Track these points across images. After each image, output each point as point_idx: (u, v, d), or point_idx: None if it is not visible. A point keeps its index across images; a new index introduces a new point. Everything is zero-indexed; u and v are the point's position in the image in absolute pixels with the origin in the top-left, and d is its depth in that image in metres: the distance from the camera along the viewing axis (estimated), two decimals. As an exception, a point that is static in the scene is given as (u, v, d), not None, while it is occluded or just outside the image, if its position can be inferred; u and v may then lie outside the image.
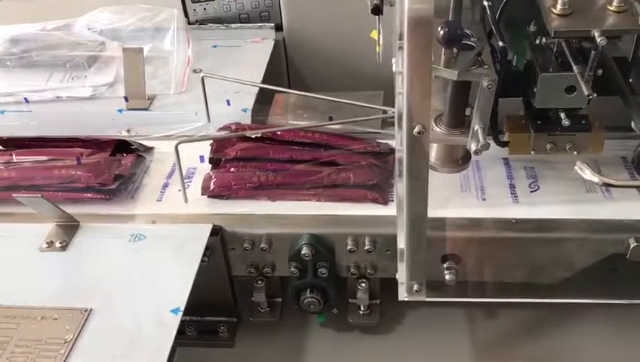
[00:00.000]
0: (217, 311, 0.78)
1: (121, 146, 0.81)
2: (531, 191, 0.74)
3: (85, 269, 0.65)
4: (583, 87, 0.59)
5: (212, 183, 0.75)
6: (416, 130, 0.50)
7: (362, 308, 0.77)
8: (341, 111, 0.86)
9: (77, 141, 0.81)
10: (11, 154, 0.80)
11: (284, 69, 1.08)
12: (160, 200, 0.76)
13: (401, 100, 0.52)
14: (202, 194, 0.75)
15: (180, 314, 0.59)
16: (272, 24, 1.06)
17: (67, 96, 0.93)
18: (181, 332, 0.76)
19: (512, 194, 0.74)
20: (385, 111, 0.81)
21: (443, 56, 0.60)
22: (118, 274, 0.64)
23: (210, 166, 0.78)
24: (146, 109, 0.90)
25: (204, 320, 0.79)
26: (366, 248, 0.70)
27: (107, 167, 0.76)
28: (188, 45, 1.00)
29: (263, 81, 0.94)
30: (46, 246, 0.68)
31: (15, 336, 0.58)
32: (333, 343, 0.78)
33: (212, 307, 0.78)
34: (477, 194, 0.74)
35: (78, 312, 0.59)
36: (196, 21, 1.08)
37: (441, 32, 0.57)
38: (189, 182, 0.77)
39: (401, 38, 0.53)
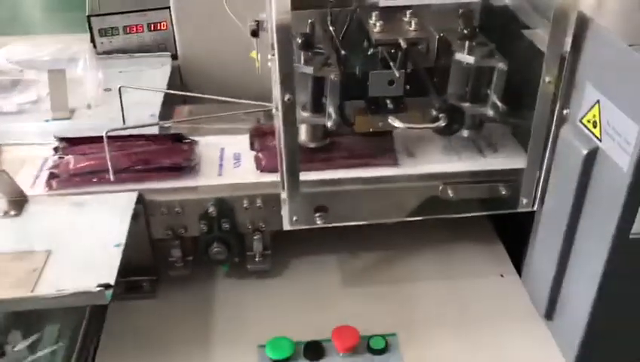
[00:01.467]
0: (141, 271, 0.98)
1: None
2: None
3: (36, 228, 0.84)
4: (394, 69, 0.88)
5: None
6: (287, 97, 0.76)
7: (257, 257, 1.00)
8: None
9: (139, 137, 0.98)
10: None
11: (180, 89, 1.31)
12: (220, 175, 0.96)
13: (276, 86, 0.78)
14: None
15: (122, 247, 0.79)
16: (169, 53, 1.29)
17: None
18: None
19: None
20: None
21: (302, 59, 0.87)
22: (67, 229, 0.83)
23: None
24: (69, 119, 1.09)
25: (130, 279, 0.98)
26: (257, 205, 0.94)
27: (179, 152, 0.97)
28: (97, 70, 1.21)
29: (163, 99, 1.16)
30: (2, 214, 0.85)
31: (-11, 274, 0.75)
32: (236, 287, 1.00)
33: (136, 267, 0.97)
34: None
35: (41, 253, 0.78)
36: (104, 52, 1.28)
37: (300, 40, 0.84)
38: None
39: (272, 47, 0.79)
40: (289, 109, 0.78)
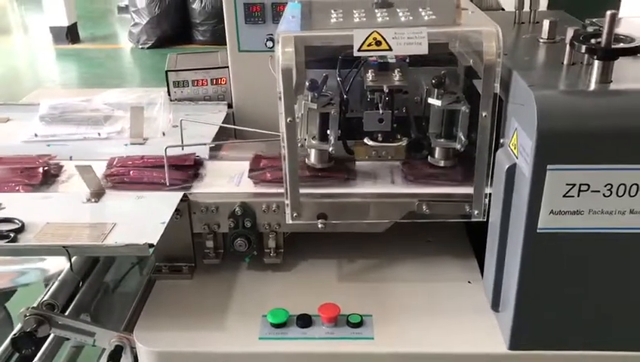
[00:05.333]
0: (182, 258, 1.27)
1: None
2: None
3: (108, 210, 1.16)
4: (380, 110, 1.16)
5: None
6: (289, 120, 1.05)
7: (272, 253, 1.27)
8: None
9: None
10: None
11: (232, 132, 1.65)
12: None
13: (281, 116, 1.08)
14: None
15: (165, 224, 1.08)
16: (226, 102, 1.64)
17: (91, 138, 1.47)
18: (159, 270, 1.25)
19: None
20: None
21: (309, 98, 1.16)
22: (130, 212, 1.14)
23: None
24: (142, 144, 1.44)
25: (174, 264, 1.27)
26: (273, 210, 1.22)
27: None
28: (169, 112, 1.56)
29: (216, 136, 1.49)
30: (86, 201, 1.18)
31: (72, 234, 1.06)
32: (254, 275, 1.26)
33: (179, 255, 1.26)
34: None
35: (109, 224, 1.09)
36: (176, 99, 1.65)
37: (307, 83, 1.15)
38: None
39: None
40: (290, 129, 1.07)
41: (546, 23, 1.17)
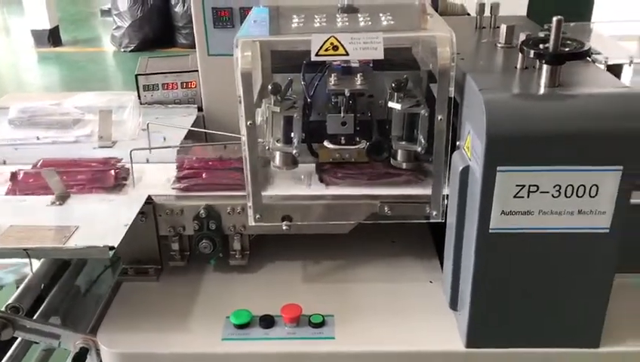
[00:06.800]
0: (148, 260, 1.28)
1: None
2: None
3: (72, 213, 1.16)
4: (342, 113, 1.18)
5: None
6: (249, 122, 1.07)
7: (237, 255, 1.28)
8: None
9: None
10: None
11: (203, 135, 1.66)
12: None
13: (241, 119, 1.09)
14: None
15: (127, 226, 1.10)
16: (196, 105, 1.65)
17: (60, 141, 1.47)
18: (125, 273, 1.26)
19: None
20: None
21: (273, 101, 1.18)
22: (93, 214, 1.15)
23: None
24: (111, 147, 1.44)
25: (140, 266, 1.28)
26: (238, 212, 1.23)
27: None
28: (139, 115, 1.57)
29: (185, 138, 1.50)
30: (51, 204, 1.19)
31: (34, 236, 1.07)
32: (220, 277, 1.28)
33: (145, 257, 1.27)
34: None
35: (72, 227, 1.10)
36: (146, 103, 1.65)
37: (270, 87, 1.16)
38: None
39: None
40: (251, 132, 1.08)
41: (503, 28, 1.19)
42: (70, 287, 1.47)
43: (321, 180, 1.24)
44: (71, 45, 6.56)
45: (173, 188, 1.26)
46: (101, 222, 1.14)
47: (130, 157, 1.24)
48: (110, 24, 6.46)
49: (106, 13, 7.07)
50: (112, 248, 1.03)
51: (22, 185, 1.26)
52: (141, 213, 1.20)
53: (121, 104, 1.60)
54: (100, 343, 1.11)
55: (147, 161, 1.37)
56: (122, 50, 6.19)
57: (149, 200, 1.22)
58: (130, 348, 1.10)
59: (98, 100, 1.62)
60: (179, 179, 1.27)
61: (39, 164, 1.33)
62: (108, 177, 1.28)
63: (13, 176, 1.27)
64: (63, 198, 1.21)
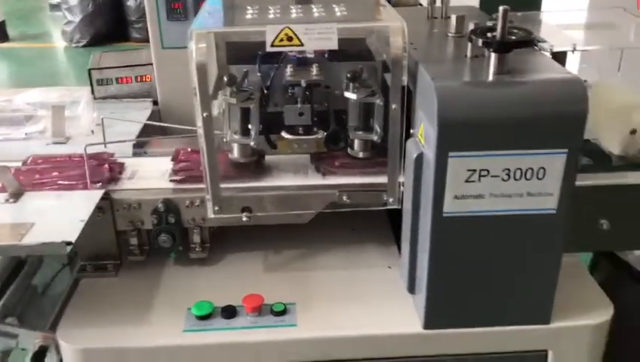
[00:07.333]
0: (107, 256, 1.27)
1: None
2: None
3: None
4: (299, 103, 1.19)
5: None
6: (205, 114, 1.07)
7: (197, 248, 1.28)
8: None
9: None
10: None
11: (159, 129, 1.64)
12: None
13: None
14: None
15: (84, 222, 1.08)
16: (151, 99, 1.64)
17: (11, 138, 1.44)
18: (84, 269, 1.25)
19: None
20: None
21: (228, 93, 1.18)
22: (48, 211, 1.14)
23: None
24: (64, 143, 1.42)
25: (98, 262, 1.27)
26: (197, 205, 1.23)
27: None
28: (93, 110, 1.55)
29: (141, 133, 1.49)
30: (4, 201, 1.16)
31: (-11, 235, 1.05)
32: (181, 271, 1.28)
33: (104, 253, 1.26)
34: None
35: (28, 224, 1.08)
36: (100, 97, 1.63)
37: (226, 78, 1.17)
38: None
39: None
40: (207, 124, 1.09)
41: (453, 18, 1.22)
42: (27, 287, 1.44)
43: (318, 170, 1.26)
44: (19, 41, 6.37)
45: (171, 181, 1.26)
46: (57, 219, 1.12)
47: (85, 152, 1.22)
48: (60, 19, 6.30)
49: (56, 7, 6.89)
50: (69, 243, 1.02)
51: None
52: (98, 208, 1.19)
53: (75, 99, 1.57)
54: (59, 339, 1.10)
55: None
56: (74, 45, 6.05)
57: (106, 196, 1.21)
58: (90, 344, 1.09)
59: (50, 96, 1.59)
60: (175, 171, 1.27)
61: (29, 160, 1.32)
62: (102, 172, 1.26)
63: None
64: (16, 195, 1.19)
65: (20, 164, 1.29)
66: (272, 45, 1.06)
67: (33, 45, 6.25)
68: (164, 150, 1.38)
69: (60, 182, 1.24)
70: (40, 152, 1.37)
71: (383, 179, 1.20)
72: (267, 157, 1.28)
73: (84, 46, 5.99)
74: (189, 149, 1.32)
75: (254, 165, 1.27)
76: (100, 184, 1.23)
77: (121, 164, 1.31)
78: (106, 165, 1.28)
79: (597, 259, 1.56)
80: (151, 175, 1.29)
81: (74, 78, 5.28)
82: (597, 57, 1.52)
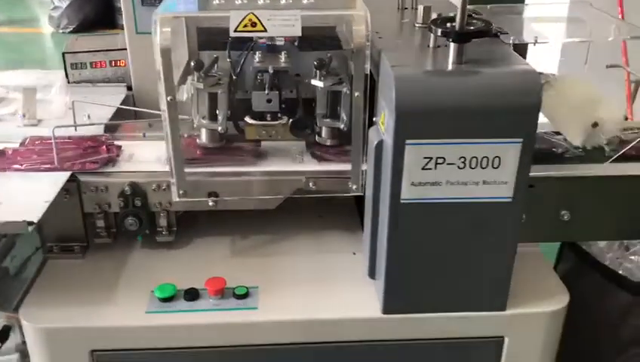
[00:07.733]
0: (73, 238, 1.27)
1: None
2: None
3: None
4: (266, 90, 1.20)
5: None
6: (169, 98, 1.08)
7: (164, 231, 1.29)
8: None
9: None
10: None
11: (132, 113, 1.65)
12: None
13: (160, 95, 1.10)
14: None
15: (48, 203, 1.09)
16: (125, 84, 1.64)
17: (-19, 120, 1.45)
18: (51, 250, 1.26)
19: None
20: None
21: (196, 78, 1.19)
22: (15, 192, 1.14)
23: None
24: (36, 125, 1.43)
25: (64, 244, 1.27)
26: (163, 188, 1.24)
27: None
28: (66, 94, 1.55)
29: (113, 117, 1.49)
30: (-30, 181, 1.17)
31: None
32: (148, 254, 1.29)
33: (70, 235, 1.27)
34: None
35: (-10, 203, 1.09)
36: (74, 82, 1.63)
37: (193, 63, 1.18)
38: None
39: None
40: (171, 108, 1.10)
41: (420, 9, 1.24)
42: (-3, 269, 1.46)
43: (314, 156, 1.28)
44: (5, 26, 6.31)
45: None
46: (23, 199, 1.13)
47: (53, 134, 1.23)
48: (47, 4, 6.24)
49: (43, -8, 6.83)
50: (30, 223, 1.03)
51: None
52: (65, 190, 1.20)
53: (49, 82, 1.57)
54: (22, 319, 1.11)
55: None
56: (61, 31, 6.00)
57: (73, 178, 1.22)
58: (52, 323, 1.11)
59: (24, 79, 1.59)
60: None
61: (27, 141, 1.33)
62: (100, 152, 1.28)
63: None
64: (-14, 179, 1.19)
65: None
66: (236, 30, 1.07)
67: (19, 30, 6.20)
68: (135, 135, 1.39)
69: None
70: (12, 135, 1.38)
71: (348, 167, 1.22)
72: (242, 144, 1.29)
73: (71, 32, 5.93)
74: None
75: (222, 150, 1.29)
76: (98, 165, 1.25)
77: (119, 147, 1.32)
78: (104, 146, 1.30)
79: (562, 249, 1.59)
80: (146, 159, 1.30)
81: (60, 64, 5.24)
82: (569, 51, 1.54)
